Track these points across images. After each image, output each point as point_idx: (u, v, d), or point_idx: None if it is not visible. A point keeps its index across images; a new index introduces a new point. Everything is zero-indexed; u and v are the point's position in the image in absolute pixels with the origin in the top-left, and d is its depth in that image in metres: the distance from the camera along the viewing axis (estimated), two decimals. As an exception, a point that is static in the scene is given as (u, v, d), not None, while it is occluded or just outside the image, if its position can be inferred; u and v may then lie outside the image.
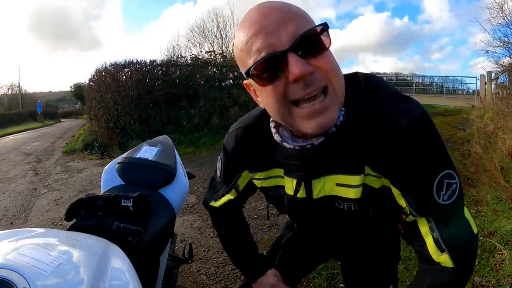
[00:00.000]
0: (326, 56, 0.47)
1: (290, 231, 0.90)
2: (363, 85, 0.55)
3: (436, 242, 0.54)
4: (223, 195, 0.78)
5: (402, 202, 0.56)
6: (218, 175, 0.78)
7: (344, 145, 0.53)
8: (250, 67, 0.47)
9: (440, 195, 0.51)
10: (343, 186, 0.58)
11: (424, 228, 0.55)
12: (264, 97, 0.51)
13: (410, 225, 0.58)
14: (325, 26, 0.47)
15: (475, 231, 0.56)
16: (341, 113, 0.52)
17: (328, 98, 0.47)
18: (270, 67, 0.46)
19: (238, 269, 0.89)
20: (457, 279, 0.55)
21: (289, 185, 0.63)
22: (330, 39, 0.47)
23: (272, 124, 0.60)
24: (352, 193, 0.57)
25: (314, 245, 0.85)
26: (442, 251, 0.54)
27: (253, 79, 0.49)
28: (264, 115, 0.61)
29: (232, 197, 0.76)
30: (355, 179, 0.55)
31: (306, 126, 0.48)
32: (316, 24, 0.47)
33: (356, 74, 0.58)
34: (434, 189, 0.50)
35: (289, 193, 0.63)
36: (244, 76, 0.51)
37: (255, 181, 0.70)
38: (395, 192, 0.55)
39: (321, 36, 0.46)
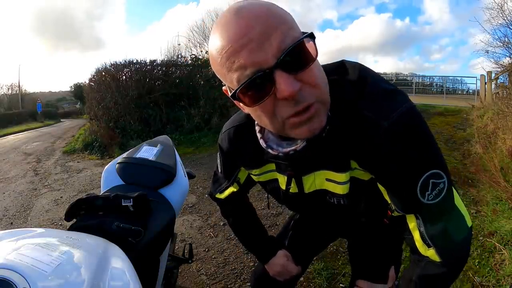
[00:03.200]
0: (313, 68, 0.44)
1: (298, 214, 0.94)
2: (350, 77, 0.53)
3: (422, 237, 0.54)
4: (226, 188, 0.81)
5: (387, 198, 0.56)
6: (219, 171, 0.80)
7: (328, 145, 0.53)
8: (236, 90, 0.44)
9: (425, 195, 0.50)
10: (331, 181, 0.59)
11: (411, 223, 0.56)
12: (252, 114, 0.50)
13: (397, 219, 0.59)
14: (310, 36, 0.43)
15: (469, 223, 0.55)
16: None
17: (315, 106, 0.45)
18: (256, 86, 0.43)
19: (250, 253, 0.95)
20: (447, 272, 0.55)
21: (282, 180, 0.65)
22: (316, 49, 0.44)
23: (257, 128, 0.59)
24: (340, 189, 0.58)
25: (321, 226, 0.88)
26: (428, 246, 0.54)
27: (239, 101, 0.46)
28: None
29: (235, 190, 0.80)
30: (342, 177, 0.57)
31: (295, 133, 0.48)
32: (302, 33, 0.44)
33: (343, 64, 0.55)
34: (418, 190, 0.49)
35: (282, 188, 0.65)
36: (224, 88, 0.49)
37: (252, 176, 0.73)
38: (381, 188, 0.56)
39: (308, 47, 0.43)
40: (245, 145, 0.65)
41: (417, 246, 0.56)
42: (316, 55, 0.44)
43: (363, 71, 0.53)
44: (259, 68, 0.41)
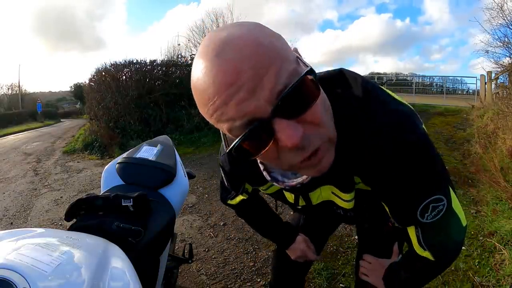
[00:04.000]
0: (315, 107, 0.37)
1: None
2: (355, 93, 0.48)
3: (419, 242, 0.58)
4: (236, 196, 0.82)
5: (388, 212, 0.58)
6: (226, 183, 0.78)
7: (333, 166, 0.49)
8: (230, 148, 0.38)
9: (424, 216, 0.51)
10: (337, 196, 0.61)
11: (410, 229, 0.59)
12: (244, 154, 0.41)
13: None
14: (310, 71, 0.36)
15: (464, 223, 0.57)
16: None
17: (322, 149, 0.40)
18: (253, 138, 0.36)
19: (270, 241, 1.04)
20: (438, 266, 0.61)
21: (289, 195, 0.68)
22: (318, 86, 0.38)
23: (258, 159, 0.52)
24: (346, 205, 0.61)
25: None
26: (424, 249, 0.58)
27: (237, 154, 0.39)
28: None
29: (245, 198, 0.81)
30: (346, 196, 0.59)
31: (306, 173, 0.47)
32: (296, 59, 0.38)
33: (342, 74, 0.50)
34: (418, 212, 0.51)
35: (290, 201, 0.69)
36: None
37: (259, 189, 0.74)
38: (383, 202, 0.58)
39: (307, 84, 0.36)
40: (247, 168, 0.62)
41: (414, 247, 0.60)
42: (319, 92, 0.38)
43: (368, 85, 0.49)
44: (252, 117, 0.35)
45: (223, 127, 0.38)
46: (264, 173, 0.55)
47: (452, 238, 0.58)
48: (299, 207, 0.69)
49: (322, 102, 0.39)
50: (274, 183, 0.55)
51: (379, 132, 0.45)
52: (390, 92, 0.51)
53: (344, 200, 0.60)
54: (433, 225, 0.53)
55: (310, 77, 0.36)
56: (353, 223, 0.79)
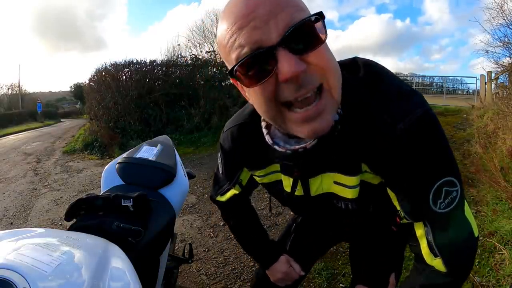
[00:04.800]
0: (322, 50, 0.41)
1: (300, 217, 0.91)
2: (363, 75, 0.49)
3: (430, 246, 0.52)
4: (228, 190, 0.79)
5: (396, 205, 0.54)
6: (221, 172, 0.77)
7: (340, 145, 0.50)
8: (234, 66, 0.42)
9: (437, 203, 0.48)
10: (340, 185, 0.56)
11: (419, 230, 0.53)
12: (252, 97, 0.46)
13: (405, 226, 0.57)
14: (320, 16, 0.40)
15: (476, 233, 0.53)
16: (337, 111, 0.48)
17: (323, 100, 0.42)
18: (257, 65, 0.40)
19: (251, 257, 0.94)
20: (451, 282, 0.53)
21: (286, 182, 0.62)
22: (326, 31, 0.41)
23: (263, 124, 0.56)
24: (349, 193, 0.56)
25: (323, 229, 0.86)
26: (435, 255, 0.52)
27: (238, 80, 0.44)
28: (257, 112, 0.54)
29: (237, 192, 0.77)
30: (352, 180, 0.54)
31: (299, 131, 0.44)
32: (310, 14, 0.41)
33: (355, 60, 0.52)
34: (430, 197, 0.47)
35: (287, 190, 0.63)
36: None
37: (255, 178, 0.70)
38: (391, 194, 0.54)
39: (316, 28, 0.40)
40: (249, 144, 0.62)
41: (423, 255, 0.54)
42: (325, 37, 0.41)
43: (376, 68, 0.50)
44: (260, 45, 0.39)
45: (232, 58, 0.42)
46: (267, 137, 0.55)
47: (466, 242, 0.52)
48: (296, 196, 0.62)
49: (329, 53, 0.42)
50: (276, 147, 0.53)
51: (388, 107, 0.46)
52: (397, 76, 0.51)
53: (347, 187, 0.55)
54: (446, 219, 0.49)
55: (319, 21, 0.40)
56: (353, 224, 0.71)
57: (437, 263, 0.52)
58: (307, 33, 0.39)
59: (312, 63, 0.40)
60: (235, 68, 0.42)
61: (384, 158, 0.48)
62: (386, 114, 0.46)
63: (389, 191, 0.54)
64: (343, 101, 0.47)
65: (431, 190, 0.47)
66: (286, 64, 0.38)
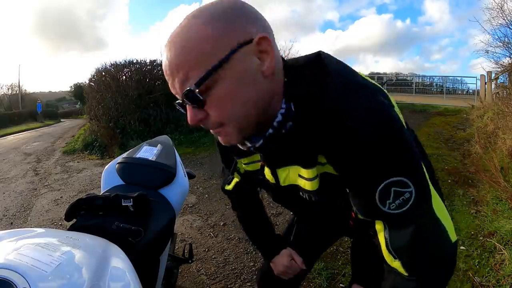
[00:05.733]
0: (214, 104, 0.45)
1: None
2: (312, 68, 0.49)
3: (387, 246, 0.50)
4: (232, 179, 0.84)
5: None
6: (222, 160, 0.82)
7: (293, 140, 0.51)
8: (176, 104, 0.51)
9: (386, 203, 0.45)
10: (302, 178, 0.57)
11: (378, 225, 0.51)
12: None
13: (364, 221, 0.55)
14: (201, 80, 0.43)
15: (452, 238, 0.49)
16: (286, 106, 0.49)
17: (226, 129, 0.48)
18: (181, 108, 0.50)
19: (256, 247, 0.97)
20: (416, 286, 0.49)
21: (267, 170, 0.65)
22: (199, 98, 0.45)
23: None
24: (309, 185, 0.56)
25: (322, 221, 0.86)
26: (394, 257, 0.49)
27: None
28: None
29: (238, 180, 0.81)
30: (309, 173, 0.54)
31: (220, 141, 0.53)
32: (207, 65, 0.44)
33: (318, 56, 0.51)
34: (376, 197, 0.45)
35: (268, 179, 0.66)
36: None
37: (242, 166, 0.72)
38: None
39: (199, 90, 0.44)
40: None
41: (384, 255, 0.51)
42: (203, 100, 0.46)
43: (326, 60, 0.49)
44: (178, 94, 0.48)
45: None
46: None
47: (433, 246, 0.48)
48: (270, 184, 0.65)
49: (231, 95, 0.45)
50: (239, 145, 0.56)
51: (336, 100, 0.45)
52: (360, 73, 0.51)
53: (306, 179, 0.56)
54: (401, 220, 0.47)
55: (196, 90, 0.44)
56: (338, 216, 0.71)
57: (397, 265, 0.50)
58: (193, 98, 0.45)
59: (210, 114, 0.47)
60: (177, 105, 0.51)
61: (335, 152, 0.47)
62: (335, 106, 0.45)
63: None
64: (293, 97, 0.49)
65: (377, 189, 0.45)
66: (188, 115, 0.47)
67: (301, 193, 0.61)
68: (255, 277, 1.76)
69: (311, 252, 0.92)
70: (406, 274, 0.49)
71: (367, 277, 0.80)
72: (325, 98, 0.46)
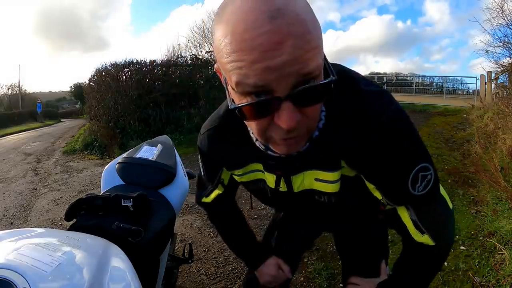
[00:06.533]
0: (318, 104, 0.43)
1: (281, 212, 0.93)
2: (339, 82, 0.49)
3: (416, 225, 0.57)
4: (211, 191, 0.80)
5: (377, 194, 0.57)
6: (203, 174, 0.78)
7: (319, 146, 0.53)
8: (239, 106, 0.40)
9: (415, 188, 0.52)
10: (321, 181, 0.59)
11: (403, 213, 0.58)
12: (241, 115, 0.43)
13: (390, 212, 0.62)
14: (332, 79, 0.40)
15: (451, 206, 0.61)
16: (322, 115, 0.51)
17: (300, 134, 0.44)
18: (258, 106, 0.39)
19: (239, 258, 0.94)
20: (439, 253, 0.61)
21: (270, 179, 0.64)
22: (331, 90, 0.41)
23: (251, 130, 0.56)
24: (331, 188, 0.59)
25: (306, 221, 0.87)
26: (422, 232, 0.57)
27: (237, 113, 0.42)
28: (233, 113, 0.46)
29: (220, 192, 0.78)
30: (333, 175, 0.57)
31: (276, 148, 0.48)
32: (323, 57, 0.40)
33: (336, 64, 0.54)
34: (409, 183, 0.52)
35: (271, 186, 0.65)
36: (216, 66, 0.45)
37: (234, 177, 0.71)
38: (369, 186, 0.57)
39: (325, 87, 0.40)
40: (226, 145, 0.64)
41: (412, 234, 0.59)
42: (327, 97, 0.42)
43: (350, 72, 0.54)
44: (268, 88, 0.37)
45: (230, 75, 0.38)
46: (257, 143, 0.57)
47: (446, 215, 0.60)
48: (280, 192, 0.64)
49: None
50: (269, 152, 0.55)
51: (364, 106, 0.50)
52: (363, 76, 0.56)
53: (329, 182, 0.58)
54: (426, 199, 0.54)
55: (330, 83, 0.40)
56: (336, 216, 0.73)
57: (425, 239, 0.58)
58: (314, 93, 0.39)
59: (307, 115, 0.42)
60: (238, 109, 0.41)
61: (362, 155, 0.51)
62: (369, 112, 0.50)
63: (367, 183, 0.57)
64: (325, 105, 0.51)
65: (409, 177, 0.52)
66: (287, 117, 0.39)
67: (316, 196, 0.63)
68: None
69: (294, 254, 0.91)
70: (432, 243, 0.57)
71: (360, 267, 0.81)
72: (361, 105, 0.50)
